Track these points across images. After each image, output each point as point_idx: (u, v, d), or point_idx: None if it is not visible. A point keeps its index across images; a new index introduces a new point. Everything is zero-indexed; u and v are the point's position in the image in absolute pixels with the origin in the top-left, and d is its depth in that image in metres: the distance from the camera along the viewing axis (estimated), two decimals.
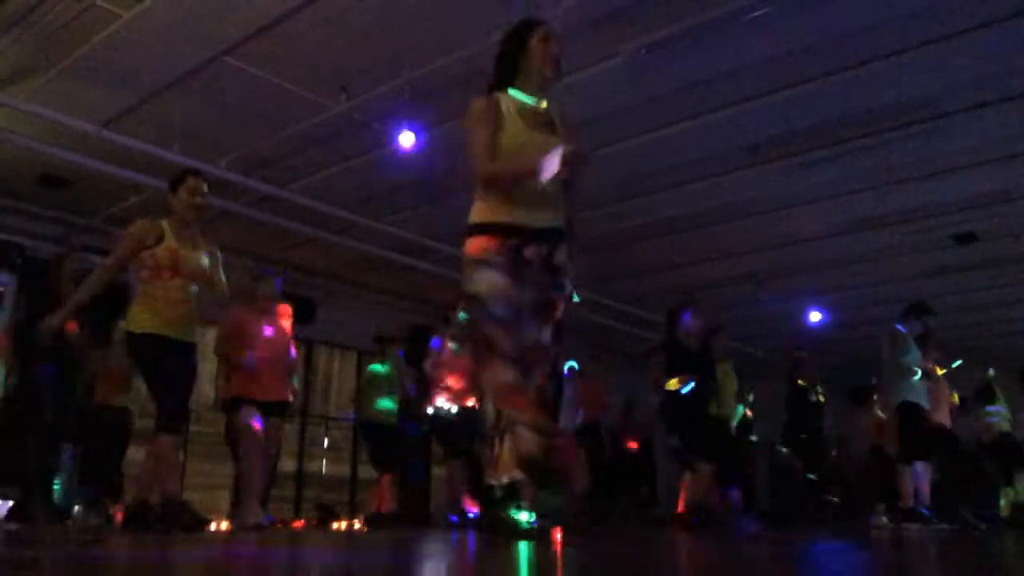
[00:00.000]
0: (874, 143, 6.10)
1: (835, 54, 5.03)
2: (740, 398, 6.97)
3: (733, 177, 6.76)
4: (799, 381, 7.47)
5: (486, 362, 2.60)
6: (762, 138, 6.20)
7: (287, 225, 7.42)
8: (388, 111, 5.60)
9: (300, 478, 9.28)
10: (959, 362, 6.79)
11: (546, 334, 2.74)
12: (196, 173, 4.27)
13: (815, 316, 9.71)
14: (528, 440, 2.48)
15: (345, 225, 7.74)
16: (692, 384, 5.84)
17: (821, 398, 7.60)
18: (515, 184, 2.70)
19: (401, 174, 6.72)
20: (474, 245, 2.69)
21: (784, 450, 7.77)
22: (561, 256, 2.76)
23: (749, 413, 8.51)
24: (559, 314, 2.77)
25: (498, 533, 2.54)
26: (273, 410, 5.26)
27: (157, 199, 7.02)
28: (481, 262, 2.64)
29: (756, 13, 4.54)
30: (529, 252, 2.67)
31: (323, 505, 8.33)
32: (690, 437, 5.91)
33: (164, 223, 4.13)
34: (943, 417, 6.62)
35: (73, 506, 5.72)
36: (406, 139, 5.59)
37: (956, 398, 7.00)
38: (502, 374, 2.58)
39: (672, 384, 5.86)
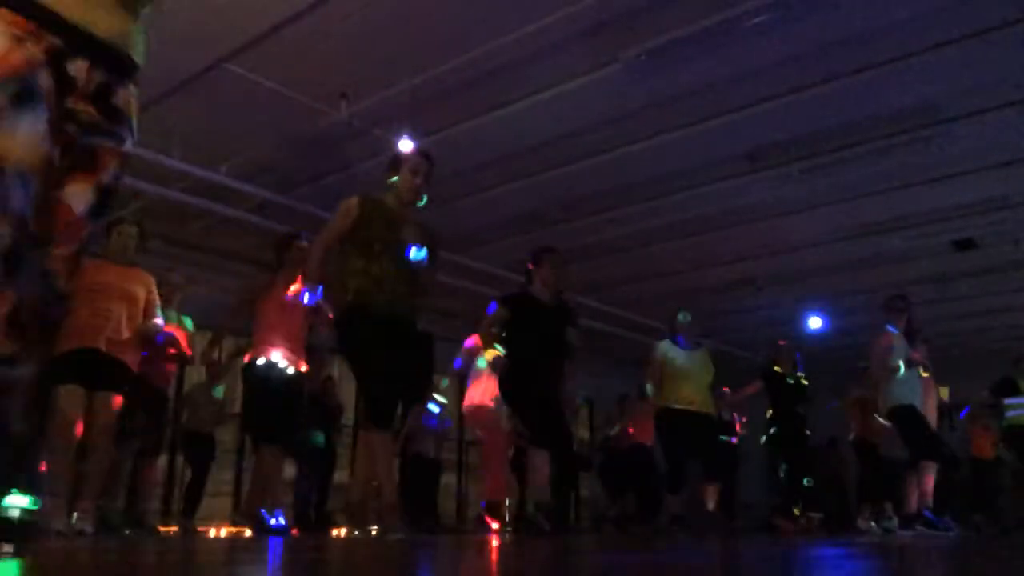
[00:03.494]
0: (873, 149, 6.11)
1: (834, 60, 5.04)
2: (715, 393, 6.52)
3: (733, 183, 6.76)
4: (775, 367, 7.28)
5: None
6: (761, 144, 6.21)
7: (287, 231, 7.41)
8: (389, 117, 5.61)
9: None
10: (946, 389, 6.56)
11: (77, 198, 1.76)
12: None
13: (814, 322, 9.71)
14: None
15: None
16: (502, 361, 4.65)
17: (803, 382, 7.29)
18: None
19: None
20: None
21: (764, 440, 7.45)
22: (126, 97, 1.80)
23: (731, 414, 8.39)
24: (106, 176, 1.80)
25: None
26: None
27: (157, 205, 7.05)
28: None
29: (756, 20, 4.55)
30: (75, 69, 1.69)
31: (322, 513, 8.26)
32: (525, 418, 4.89)
33: None
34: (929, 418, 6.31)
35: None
36: (406, 145, 5.60)
37: (945, 392, 6.63)
38: None
39: (489, 354, 4.74)
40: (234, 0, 4.60)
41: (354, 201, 3.87)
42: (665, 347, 6.21)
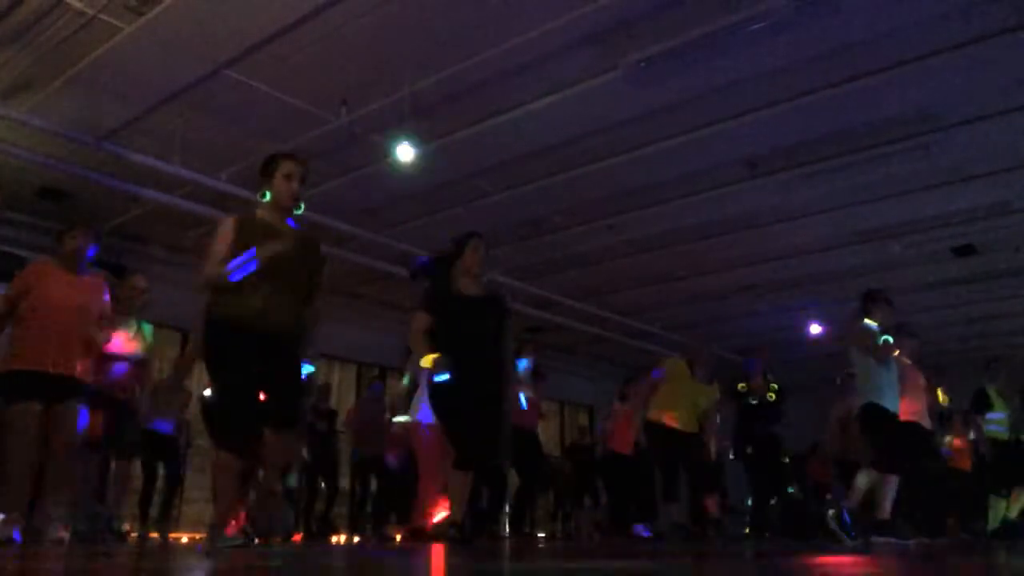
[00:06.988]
0: (873, 156, 6.11)
1: (834, 67, 5.05)
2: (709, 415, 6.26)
3: (733, 189, 6.76)
4: (739, 385, 6.96)
5: None
6: (761, 151, 6.22)
7: None
8: (387, 124, 5.61)
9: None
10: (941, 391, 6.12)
11: None
12: None
13: (814, 328, 9.69)
14: None
15: (344, 237, 7.74)
16: (447, 377, 3.98)
17: (771, 396, 6.91)
18: None
19: (400, 186, 6.73)
20: None
21: (732, 457, 7.26)
22: None
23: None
24: None
25: None
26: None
27: (157, 211, 7.05)
28: None
29: (755, 27, 4.54)
30: None
31: (324, 519, 8.26)
32: (450, 435, 4.15)
33: None
34: (914, 411, 5.61)
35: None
36: (405, 152, 5.60)
37: (942, 396, 6.11)
38: None
39: (426, 361, 4.06)
40: (234, 7, 4.60)
41: (230, 223, 3.40)
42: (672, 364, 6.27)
